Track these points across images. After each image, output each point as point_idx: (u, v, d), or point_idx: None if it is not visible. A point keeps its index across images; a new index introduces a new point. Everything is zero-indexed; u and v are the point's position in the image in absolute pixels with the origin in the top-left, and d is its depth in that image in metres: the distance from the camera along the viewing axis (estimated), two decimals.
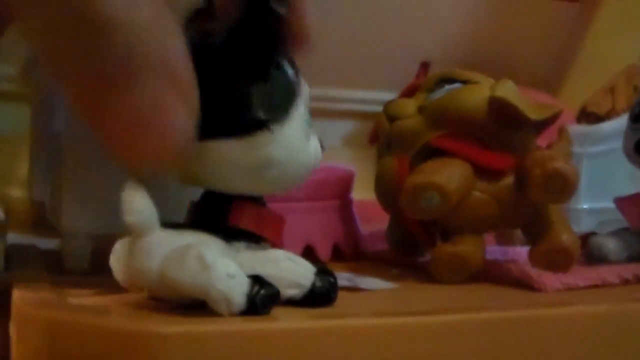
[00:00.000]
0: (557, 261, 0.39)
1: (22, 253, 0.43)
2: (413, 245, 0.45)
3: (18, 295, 0.29)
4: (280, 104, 0.30)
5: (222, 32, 0.29)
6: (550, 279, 0.38)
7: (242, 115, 0.29)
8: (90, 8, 0.23)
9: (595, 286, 0.39)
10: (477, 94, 0.40)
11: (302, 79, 0.31)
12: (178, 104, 0.25)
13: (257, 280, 0.29)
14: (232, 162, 0.29)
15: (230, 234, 0.31)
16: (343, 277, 0.35)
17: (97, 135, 0.26)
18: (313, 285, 0.31)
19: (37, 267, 0.38)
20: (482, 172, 0.40)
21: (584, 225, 0.56)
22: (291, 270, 0.31)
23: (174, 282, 0.28)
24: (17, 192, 0.62)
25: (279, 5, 0.28)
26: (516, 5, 0.79)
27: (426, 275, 0.40)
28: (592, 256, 0.44)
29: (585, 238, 0.44)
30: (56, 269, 0.38)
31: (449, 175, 0.38)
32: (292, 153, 0.30)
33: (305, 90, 0.31)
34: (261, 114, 0.29)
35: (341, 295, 0.32)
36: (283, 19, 0.29)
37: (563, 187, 0.38)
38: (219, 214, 0.31)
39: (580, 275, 0.39)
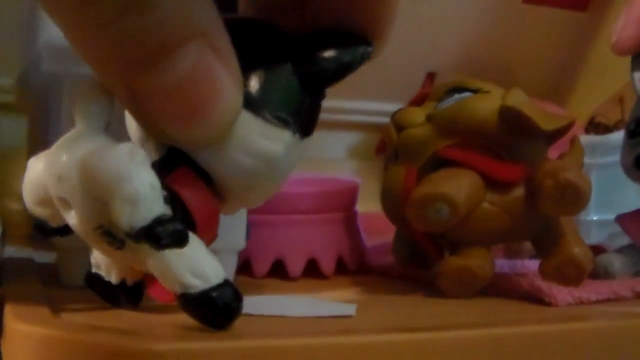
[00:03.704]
0: (568, 275, 0.39)
1: (18, 266, 0.42)
2: (420, 259, 0.44)
3: (10, 310, 0.29)
4: (313, 123, 0.29)
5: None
6: (561, 293, 0.37)
7: (281, 105, 0.28)
8: None
9: (608, 300, 0.39)
10: (487, 103, 0.39)
11: None
12: (221, 69, 0.25)
13: (170, 216, 0.25)
14: (245, 139, 0.27)
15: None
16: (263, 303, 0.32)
17: (140, 109, 0.25)
18: (216, 289, 0.27)
19: (33, 281, 0.38)
20: (492, 183, 0.39)
21: (593, 238, 0.55)
22: (206, 258, 0.27)
23: (92, 170, 0.24)
24: (14, 205, 0.61)
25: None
26: (522, 14, 0.78)
27: (434, 289, 0.39)
28: (599, 276, 0.43)
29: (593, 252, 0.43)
30: (52, 283, 0.37)
31: (458, 186, 0.37)
32: (288, 169, 0.29)
33: None
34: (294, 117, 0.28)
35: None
36: None
37: (575, 198, 0.37)
38: (163, 169, 0.27)
39: (593, 289, 0.39)
